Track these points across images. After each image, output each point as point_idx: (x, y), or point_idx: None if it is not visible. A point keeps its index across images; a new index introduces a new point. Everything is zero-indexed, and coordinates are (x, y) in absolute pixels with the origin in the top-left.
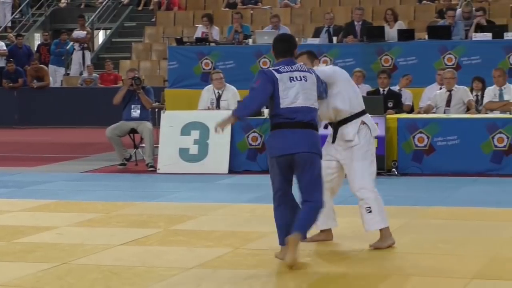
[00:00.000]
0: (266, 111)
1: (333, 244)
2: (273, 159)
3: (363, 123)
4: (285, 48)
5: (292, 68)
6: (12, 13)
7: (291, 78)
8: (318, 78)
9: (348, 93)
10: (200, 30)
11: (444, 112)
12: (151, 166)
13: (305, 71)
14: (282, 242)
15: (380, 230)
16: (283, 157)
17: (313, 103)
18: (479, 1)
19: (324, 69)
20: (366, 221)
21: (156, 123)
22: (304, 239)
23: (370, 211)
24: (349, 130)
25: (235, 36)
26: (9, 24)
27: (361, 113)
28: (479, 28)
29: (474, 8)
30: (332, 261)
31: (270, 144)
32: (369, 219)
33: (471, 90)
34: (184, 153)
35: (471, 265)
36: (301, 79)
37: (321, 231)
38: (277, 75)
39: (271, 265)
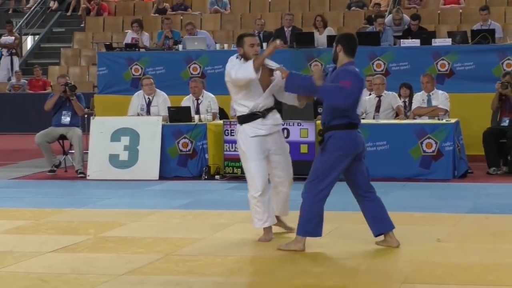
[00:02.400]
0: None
1: (266, 249)
2: (344, 156)
3: None
4: (356, 47)
5: None
6: None
7: None
8: None
9: None
10: (129, 35)
11: (374, 118)
12: (81, 173)
13: None
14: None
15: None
16: (353, 154)
17: None
18: (408, 8)
19: None
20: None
21: (86, 129)
22: None
23: None
24: None
25: (165, 42)
26: None
27: None
28: (410, 34)
29: (406, 16)
30: (260, 265)
31: (344, 141)
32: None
33: (399, 96)
34: (114, 160)
35: (401, 269)
36: None
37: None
38: None
39: (202, 271)
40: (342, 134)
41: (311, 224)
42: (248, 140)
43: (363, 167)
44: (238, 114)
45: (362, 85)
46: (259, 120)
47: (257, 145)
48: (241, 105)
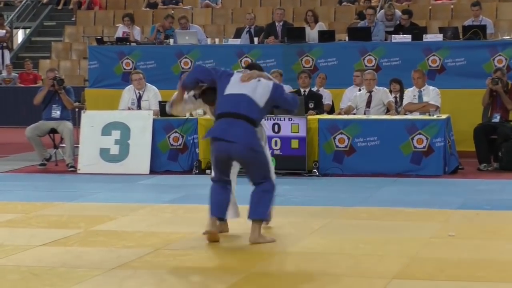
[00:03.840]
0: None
1: (256, 244)
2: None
3: None
4: None
5: None
6: None
7: None
8: None
9: None
10: (121, 30)
11: (365, 113)
12: (72, 166)
13: None
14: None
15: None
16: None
17: None
18: (400, 3)
19: None
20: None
21: (77, 123)
22: None
23: None
24: None
25: (157, 36)
26: None
27: None
28: (401, 30)
29: (398, 11)
30: (250, 260)
31: None
32: None
33: (390, 92)
34: (105, 153)
35: (391, 265)
36: None
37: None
38: None
39: (193, 265)
40: None
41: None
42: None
43: None
44: None
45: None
46: None
47: None
48: None
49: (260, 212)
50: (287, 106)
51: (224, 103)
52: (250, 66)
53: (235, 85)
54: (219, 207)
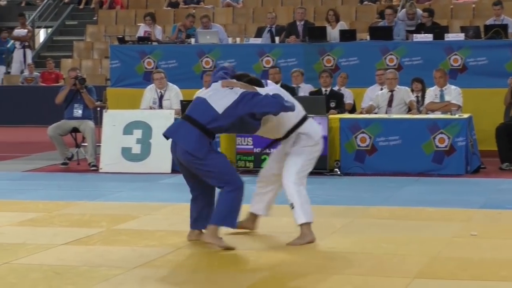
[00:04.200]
0: None
1: (274, 243)
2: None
3: None
4: None
5: None
6: None
7: None
8: None
9: None
10: (142, 29)
11: (386, 113)
12: (94, 166)
13: None
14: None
15: (301, 226)
16: None
17: None
18: (421, 2)
19: None
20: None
21: (98, 122)
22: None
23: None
24: None
25: (178, 35)
26: None
27: None
28: (423, 29)
29: (419, 10)
30: (272, 259)
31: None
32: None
33: (412, 91)
34: (126, 153)
35: (413, 265)
36: None
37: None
38: None
39: (214, 264)
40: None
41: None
42: None
43: None
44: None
45: None
46: None
47: None
48: None
49: (215, 219)
50: (263, 109)
51: (189, 106)
52: (249, 81)
53: (209, 90)
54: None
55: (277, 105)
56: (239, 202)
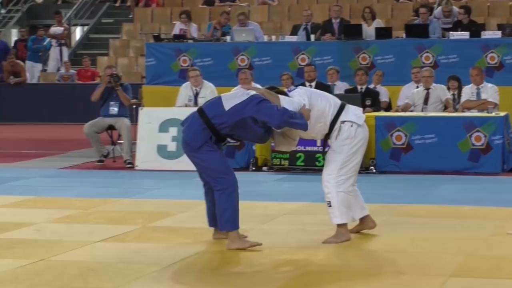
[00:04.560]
0: None
1: (309, 241)
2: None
3: None
4: None
5: None
6: None
7: None
8: None
9: None
10: (178, 27)
11: (422, 111)
12: (129, 163)
13: None
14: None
15: (337, 225)
16: None
17: None
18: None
19: None
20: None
21: (134, 119)
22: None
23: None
24: None
25: (214, 33)
26: None
27: None
28: (460, 27)
29: (455, 8)
30: (306, 257)
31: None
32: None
33: (448, 89)
34: (162, 150)
35: (448, 263)
36: None
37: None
38: None
39: (249, 262)
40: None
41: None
42: None
43: None
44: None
45: None
46: None
47: None
48: None
49: (221, 226)
50: (263, 117)
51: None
52: (270, 88)
53: (232, 92)
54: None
55: (279, 119)
56: (232, 202)
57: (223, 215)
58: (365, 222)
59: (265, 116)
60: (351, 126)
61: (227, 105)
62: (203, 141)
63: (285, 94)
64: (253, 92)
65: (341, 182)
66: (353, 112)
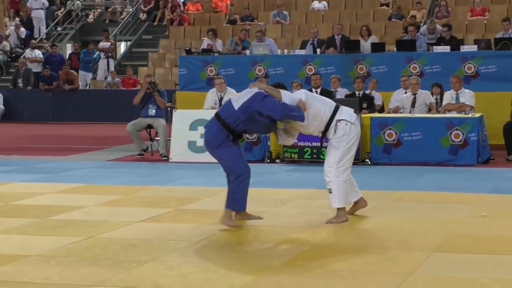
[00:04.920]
0: None
1: (317, 222)
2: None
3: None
4: None
5: None
6: (48, 26)
7: None
8: None
9: None
10: (206, 42)
11: (410, 112)
12: (165, 156)
13: None
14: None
15: (337, 208)
16: None
17: None
18: (441, 18)
19: None
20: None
21: (169, 120)
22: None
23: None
24: None
25: (235, 47)
26: (44, 36)
27: None
28: (442, 42)
29: (438, 26)
30: (312, 235)
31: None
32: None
33: (432, 94)
34: (192, 145)
35: (432, 240)
36: None
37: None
38: None
39: (263, 238)
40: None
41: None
42: None
43: None
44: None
45: None
46: None
47: None
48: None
49: (229, 204)
50: (268, 111)
51: None
52: (275, 85)
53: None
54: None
55: (281, 113)
56: (242, 188)
57: (233, 196)
58: (359, 203)
59: (269, 111)
60: (346, 124)
61: (236, 105)
62: (222, 140)
63: (285, 88)
64: (256, 89)
65: (340, 172)
66: (346, 112)
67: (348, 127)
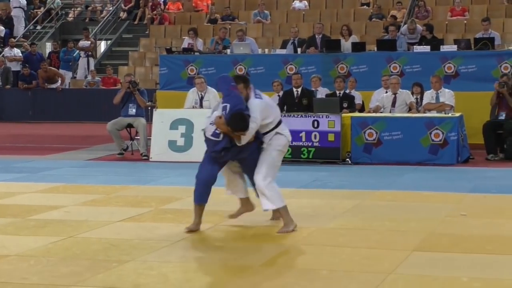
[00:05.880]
0: None
1: (297, 220)
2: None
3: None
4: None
5: None
6: (26, 25)
7: None
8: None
9: None
10: (186, 41)
11: (390, 112)
12: (145, 156)
13: None
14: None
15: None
16: None
17: None
18: (421, 18)
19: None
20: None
21: (149, 119)
22: None
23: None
24: None
25: (216, 47)
26: (21, 36)
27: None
28: (424, 41)
29: (418, 26)
30: (293, 234)
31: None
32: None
33: (412, 94)
34: (172, 145)
35: (412, 239)
36: None
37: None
38: None
39: (242, 237)
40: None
41: None
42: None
43: None
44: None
45: None
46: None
47: None
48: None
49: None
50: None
51: None
52: (235, 78)
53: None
54: None
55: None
56: (197, 186)
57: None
58: (247, 204)
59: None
60: (284, 137)
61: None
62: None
63: (247, 81)
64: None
65: (270, 176)
66: (284, 127)
67: (284, 140)
